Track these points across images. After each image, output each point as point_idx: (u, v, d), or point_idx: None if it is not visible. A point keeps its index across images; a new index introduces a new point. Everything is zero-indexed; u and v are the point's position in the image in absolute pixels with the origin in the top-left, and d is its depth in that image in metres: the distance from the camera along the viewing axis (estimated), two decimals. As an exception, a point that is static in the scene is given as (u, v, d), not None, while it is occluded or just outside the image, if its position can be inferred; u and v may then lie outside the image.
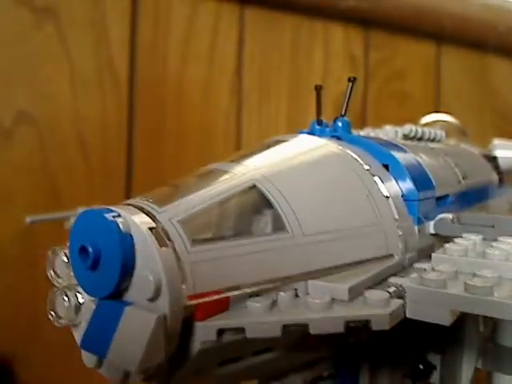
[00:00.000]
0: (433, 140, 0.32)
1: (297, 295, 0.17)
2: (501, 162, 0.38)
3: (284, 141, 0.23)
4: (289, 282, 0.17)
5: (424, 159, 0.26)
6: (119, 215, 0.15)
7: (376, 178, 0.22)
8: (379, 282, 0.18)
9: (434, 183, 0.25)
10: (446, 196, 0.26)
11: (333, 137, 0.26)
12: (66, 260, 0.17)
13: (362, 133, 0.33)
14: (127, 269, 0.15)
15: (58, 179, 0.53)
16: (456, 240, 0.20)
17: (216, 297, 0.15)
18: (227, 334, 0.15)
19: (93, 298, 0.16)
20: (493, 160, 0.38)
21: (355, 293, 0.17)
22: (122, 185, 0.59)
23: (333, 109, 0.76)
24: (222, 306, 0.16)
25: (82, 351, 0.16)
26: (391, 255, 0.20)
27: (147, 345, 0.14)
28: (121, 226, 0.15)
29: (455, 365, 0.25)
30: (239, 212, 0.19)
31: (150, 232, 0.15)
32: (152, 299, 0.14)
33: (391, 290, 0.18)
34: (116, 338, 0.14)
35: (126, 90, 0.57)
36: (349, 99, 0.27)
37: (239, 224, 0.19)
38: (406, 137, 0.31)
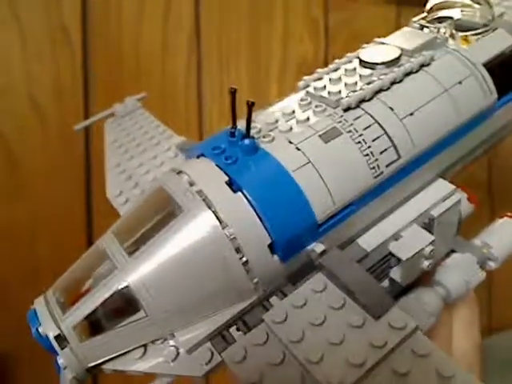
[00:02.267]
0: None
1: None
2: None
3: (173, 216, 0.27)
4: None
5: (304, 173, 0.27)
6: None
7: (234, 243, 0.26)
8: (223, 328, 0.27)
9: (314, 208, 0.27)
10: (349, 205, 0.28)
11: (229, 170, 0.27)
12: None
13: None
14: (52, 350, 0.26)
15: (13, 144, 0.54)
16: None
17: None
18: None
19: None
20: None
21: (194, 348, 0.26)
22: (81, 149, 0.60)
23: (296, 69, 0.75)
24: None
25: None
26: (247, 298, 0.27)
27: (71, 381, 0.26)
28: (41, 332, 0.26)
29: None
30: (114, 306, 0.26)
31: (55, 339, 0.26)
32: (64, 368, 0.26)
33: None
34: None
35: (80, 52, 0.56)
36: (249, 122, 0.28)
37: (113, 317, 0.26)
38: (303, 102, 0.31)
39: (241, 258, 0.26)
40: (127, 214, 0.30)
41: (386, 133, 0.30)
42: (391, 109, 0.30)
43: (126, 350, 0.27)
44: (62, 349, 0.26)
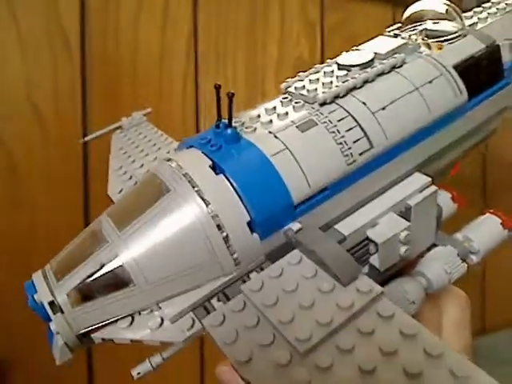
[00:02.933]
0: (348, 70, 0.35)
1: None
2: None
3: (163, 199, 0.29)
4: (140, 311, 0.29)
5: (281, 157, 0.30)
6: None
7: (216, 220, 0.28)
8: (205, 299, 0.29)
9: (290, 189, 0.29)
10: (324, 189, 0.30)
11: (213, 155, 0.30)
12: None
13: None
14: (46, 318, 0.29)
15: (12, 148, 0.54)
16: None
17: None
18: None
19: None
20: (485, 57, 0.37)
21: (179, 315, 0.28)
22: (79, 151, 0.61)
23: (292, 72, 0.72)
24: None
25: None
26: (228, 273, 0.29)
27: (59, 355, 0.29)
28: (37, 299, 0.29)
29: None
30: (107, 279, 0.29)
31: (49, 305, 0.28)
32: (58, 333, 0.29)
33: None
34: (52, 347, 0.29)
35: (78, 55, 0.57)
36: (219, 106, 0.31)
37: (105, 287, 0.29)
38: (285, 99, 0.34)
39: (221, 234, 0.29)
40: (121, 197, 0.33)
41: (358, 124, 0.32)
42: (364, 103, 0.33)
43: (114, 319, 0.29)
44: (55, 314, 0.28)
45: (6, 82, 0.53)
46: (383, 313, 0.25)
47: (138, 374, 0.30)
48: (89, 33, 0.56)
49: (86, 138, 0.53)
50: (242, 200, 0.29)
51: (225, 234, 0.29)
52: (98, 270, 0.28)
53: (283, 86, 0.36)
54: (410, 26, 0.39)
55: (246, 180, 0.29)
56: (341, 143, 0.32)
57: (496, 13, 0.43)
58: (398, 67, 0.35)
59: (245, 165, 0.30)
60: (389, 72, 0.35)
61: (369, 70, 0.35)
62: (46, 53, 0.54)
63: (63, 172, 0.61)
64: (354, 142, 0.32)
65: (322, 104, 0.33)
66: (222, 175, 0.30)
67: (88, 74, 0.57)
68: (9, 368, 0.60)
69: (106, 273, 0.28)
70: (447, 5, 0.39)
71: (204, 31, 0.66)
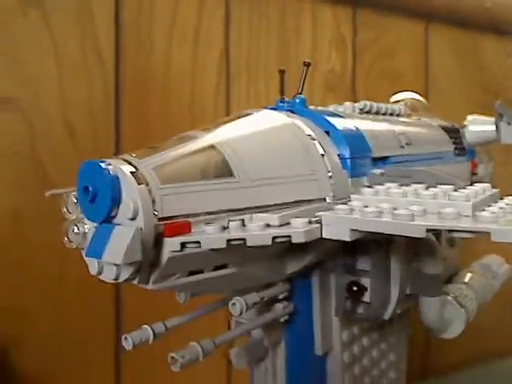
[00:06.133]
0: (390, 114, 0.40)
1: (243, 224, 0.23)
2: (470, 136, 0.46)
3: (249, 114, 0.31)
4: (237, 214, 0.24)
5: (364, 126, 0.33)
6: (110, 164, 0.22)
7: (315, 142, 0.29)
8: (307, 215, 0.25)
9: (371, 145, 0.32)
10: (386, 157, 0.33)
11: (288, 110, 0.32)
12: (75, 200, 0.24)
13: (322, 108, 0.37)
14: (115, 200, 0.22)
15: (47, 166, 0.51)
16: (375, 186, 0.28)
17: (179, 220, 0.23)
18: (188, 247, 0.22)
19: (94, 224, 0.23)
20: (455, 132, 0.45)
21: (284, 220, 0.23)
22: None
23: (323, 86, 0.70)
24: (186, 228, 0.22)
25: (87, 262, 0.23)
26: (323, 199, 0.28)
27: (128, 245, 0.20)
28: (111, 171, 0.22)
29: (384, 287, 0.31)
30: (200, 163, 0.25)
31: (131, 175, 0.22)
32: (132, 219, 0.21)
33: (312, 218, 0.24)
34: (109, 245, 0.21)
35: (113, 74, 0.56)
36: (304, 80, 0.34)
37: (199, 171, 0.24)
38: (361, 111, 0.38)
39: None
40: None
41: None
42: None
43: (208, 211, 0.24)
44: (139, 185, 0.21)
45: (42, 101, 0.51)
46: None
47: None
48: (123, 51, 0.56)
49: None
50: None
51: (322, 152, 0.29)
52: (194, 153, 0.24)
53: None
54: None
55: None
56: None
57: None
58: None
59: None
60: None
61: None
62: (81, 73, 0.54)
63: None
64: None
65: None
66: None
67: (121, 92, 0.56)
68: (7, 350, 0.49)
69: (204, 158, 0.25)
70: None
71: (236, 49, 0.66)
